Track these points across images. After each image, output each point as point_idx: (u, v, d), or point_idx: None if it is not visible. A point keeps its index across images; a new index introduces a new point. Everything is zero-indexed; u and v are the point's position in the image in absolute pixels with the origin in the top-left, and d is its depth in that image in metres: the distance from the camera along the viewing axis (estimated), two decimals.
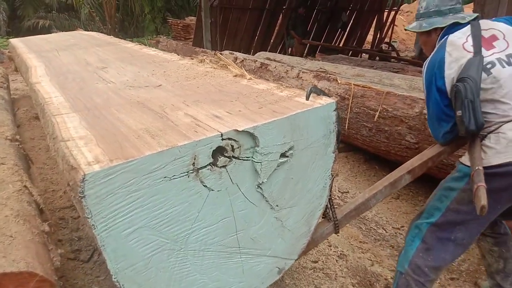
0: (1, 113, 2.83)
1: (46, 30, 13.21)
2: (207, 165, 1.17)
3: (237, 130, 1.19)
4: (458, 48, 1.63)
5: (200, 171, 1.16)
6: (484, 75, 1.55)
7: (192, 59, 2.44)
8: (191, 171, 1.14)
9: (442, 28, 1.75)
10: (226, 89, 1.72)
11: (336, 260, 2.14)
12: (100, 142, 1.18)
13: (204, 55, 2.30)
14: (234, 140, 1.20)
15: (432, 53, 1.72)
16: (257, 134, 1.22)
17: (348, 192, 3.15)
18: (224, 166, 1.21)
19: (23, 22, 14.54)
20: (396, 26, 12.61)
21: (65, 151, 1.15)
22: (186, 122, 1.30)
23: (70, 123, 1.40)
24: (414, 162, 1.70)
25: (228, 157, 1.21)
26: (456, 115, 1.57)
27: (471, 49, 1.61)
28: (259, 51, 7.48)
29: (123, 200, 1.04)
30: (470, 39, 1.63)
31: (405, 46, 13.82)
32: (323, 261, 2.11)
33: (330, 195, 1.56)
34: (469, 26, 1.69)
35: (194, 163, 1.14)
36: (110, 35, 10.27)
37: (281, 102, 1.44)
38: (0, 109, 2.94)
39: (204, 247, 1.25)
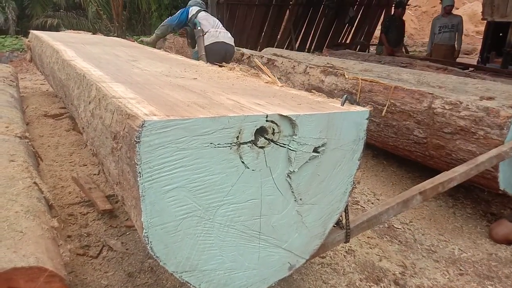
0: (11, 111, 2.84)
1: (55, 29, 13.22)
2: (249, 142, 1.23)
3: (281, 115, 1.26)
4: None
5: (241, 146, 1.21)
6: None
7: (221, 66, 2.55)
8: (234, 144, 1.20)
9: None
10: (260, 89, 1.81)
11: (344, 256, 2.12)
12: (151, 103, 1.24)
13: (234, 64, 2.41)
14: (276, 124, 1.27)
15: None
16: (298, 123, 1.29)
17: (355, 187, 3.08)
18: (262, 147, 1.26)
19: (32, 21, 14.66)
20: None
21: (119, 104, 1.20)
22: (230, 103, 1.37)
23: (116, 88, 1.46)
24: (426, 184, 1.78)
25: (268, 139, 1.27)
26: None
27: None
28: (265, 48, 7.38)
29: (171, 155, 1.09)
30: None
31: (413, 41, 13.21)
32: (330, 257, 2.09)
33: (347, 203, 1.62)
34: None
35: (238, 136, 1.20)
36: (117, 33, 10.23)
37: (317, 103, 1.53)
38: (10, 107, 2.95)
39: (229, 223, 1.28)
